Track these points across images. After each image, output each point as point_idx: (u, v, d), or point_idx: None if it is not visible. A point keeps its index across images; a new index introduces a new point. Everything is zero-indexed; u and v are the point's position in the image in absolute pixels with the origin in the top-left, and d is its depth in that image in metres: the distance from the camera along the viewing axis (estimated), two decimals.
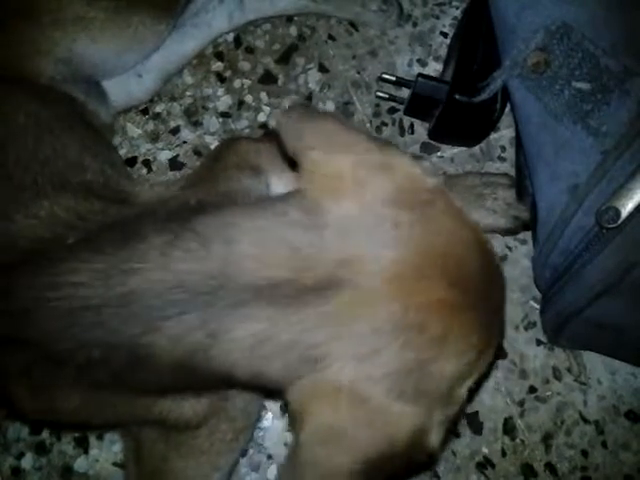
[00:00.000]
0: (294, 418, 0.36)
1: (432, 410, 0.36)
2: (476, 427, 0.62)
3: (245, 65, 0.72)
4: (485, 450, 0.62)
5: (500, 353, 0.63)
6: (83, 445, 0.62)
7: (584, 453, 0.62)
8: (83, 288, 0.37)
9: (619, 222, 0.46)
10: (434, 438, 0.37)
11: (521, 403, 0.63)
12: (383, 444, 0.35)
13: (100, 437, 0.62)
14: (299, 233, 0.36)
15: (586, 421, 0.63)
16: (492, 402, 0.63)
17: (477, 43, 0.62)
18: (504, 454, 0.62)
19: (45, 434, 0.62)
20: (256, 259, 0.36)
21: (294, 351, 0.35)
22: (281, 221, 0.37)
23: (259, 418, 0.58)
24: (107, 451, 0.62)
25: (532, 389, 0.63)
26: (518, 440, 0.62)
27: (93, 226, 0.43)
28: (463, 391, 0.38)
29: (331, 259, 0.35)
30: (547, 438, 0.62)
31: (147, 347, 0.37)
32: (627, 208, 0.46)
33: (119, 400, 0.44)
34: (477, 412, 0.62)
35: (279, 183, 0.61)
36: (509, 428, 0.62)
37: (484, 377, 0.41)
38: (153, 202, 0.52)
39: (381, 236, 0.36)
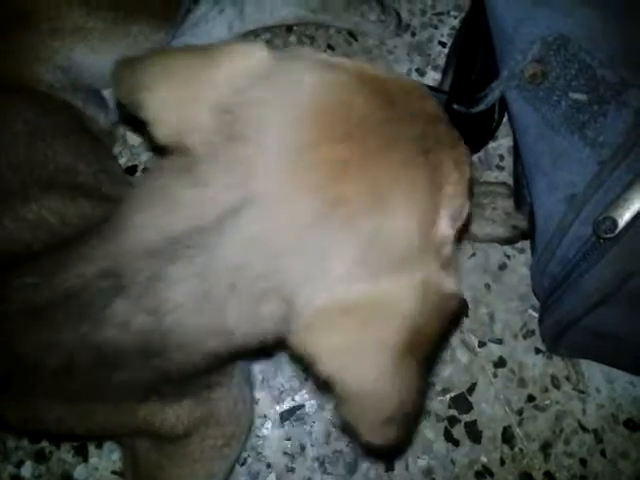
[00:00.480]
0: (308, 363, 0.33)
1: (424, 264, 0.33)
2: (475, 436, 0.62)
3: None
4: (484, 459, 0.62)
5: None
6: (82, 453, 0.62)
7: (583, 462, 0.62)
8: (36, 289, 0.37)
9: (616, 232, 0.46)
10: (448, 283, 0.34)
11: (520, 412, 0.63)
12: (405, 327, 0.33)
13: (99, 445, 0.62)
14: (178, 182, 0.33)
15: (585, 430, 0.63)
16: (491, 411, 0.63)
17: (475, 53, 0.62)
18: (503, 463, 0.62)
19: (45, 442, 0.62)
20: (146, 226, 0.33)
21: (242, 291, 0.32)
22: (165, 180, 0.34)
23: (252, 425, 0.58)
24: (106, 459, 0.62)
25: (531, 398, 0.63)
26: (517, 449, 0.62)
27: (73, 230, 0.43)
28: (443, 228, 0.34)
29: (219, 187, 0.32)
30: (546, 447, 0.62)
31: (105, 344, 0.35)
32: (624, 218, 0.46)
33: (99, 409, 0.43)
34: (475, 421, 0.63)
35: None
36: (508, 437, 0.62)
37: (468, 196, 0.36)
38: None
39: (250, 138, 0.32)
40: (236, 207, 0.32)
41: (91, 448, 0.62)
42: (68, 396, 0.40)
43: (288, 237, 0.32)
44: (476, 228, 0.64)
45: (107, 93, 0.65)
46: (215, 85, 0.34)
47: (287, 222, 0.32)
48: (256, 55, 0.35)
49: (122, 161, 0.69)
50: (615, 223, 0.46)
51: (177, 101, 0.34)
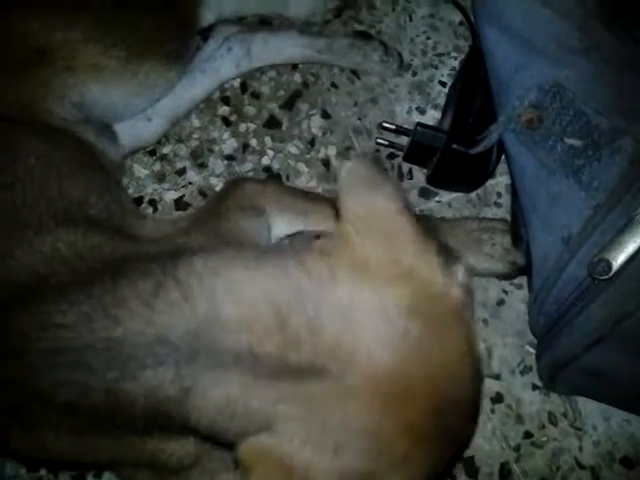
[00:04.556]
0: (242, 468, 0.36)
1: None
2: (472, 472, 0.62)
3: (250, 110, 0.74)
4: None
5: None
6: None
7: None
8: (67, 330, 0.39)
9: (611, 274, 0.47)
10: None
11: (517, 448, 0.63)
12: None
13: (98, 475, 0.62)
14: (295, 300, 0.35)
15: (582, 467, 0.63)
16: (488, 447, 0.63)
17: (474, 94, 0.64)
18: None
19: (43, 472, 0.62)
20: (241, 323, 0.35)
21: (258, 415, 0.35)
22: (277, 279, 0.36)
23: None
24: None
25: (528, 434, 0.64)
26: None
27: (89, 264, 0.44)
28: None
29: (322, 342, 0.34)
30: None
31: (124, 393, 0.38)
32: (618, 260, 0.47)
33: (106, 441, 0.44)
34: (473, 457, 0.63)
35: (281, 224, 0.63)
36: (505, 473, 0.63)
37: None
38: (154, 238, 0.54)
39: (384, 337, 0.34)
40: (325, 367, 0.34)
41: (89, 479, 0.62)
42: (77, 428, 0.41)
43: (333, 415, 0.35)
44: (475, 263, 0.65)
45: (117, 127, 0.67)
46: None
47: (341, 408, 0.35)
48: None
49: (129, 192, 0.70)
50: (609, 265, 0.47)
51: None
